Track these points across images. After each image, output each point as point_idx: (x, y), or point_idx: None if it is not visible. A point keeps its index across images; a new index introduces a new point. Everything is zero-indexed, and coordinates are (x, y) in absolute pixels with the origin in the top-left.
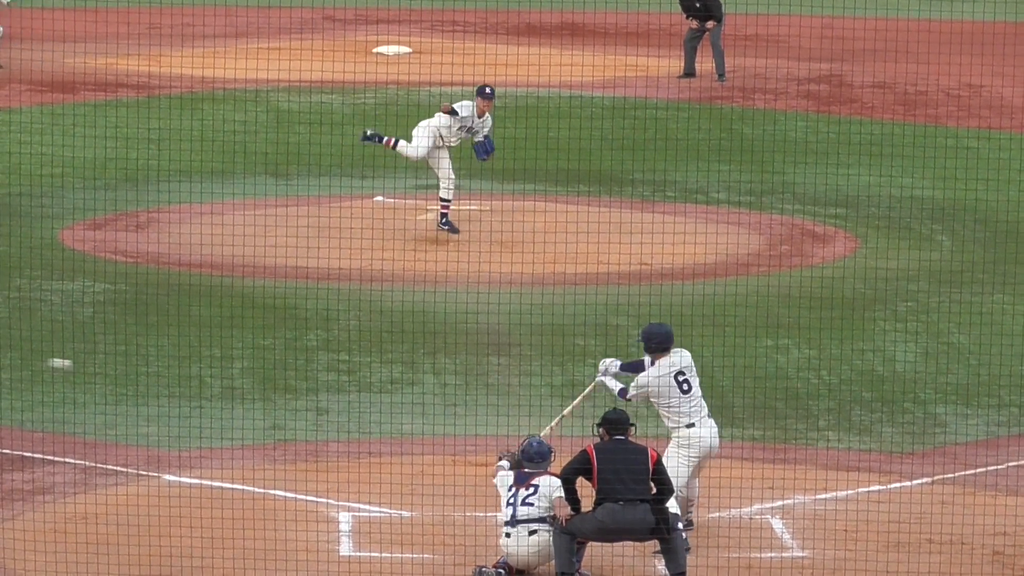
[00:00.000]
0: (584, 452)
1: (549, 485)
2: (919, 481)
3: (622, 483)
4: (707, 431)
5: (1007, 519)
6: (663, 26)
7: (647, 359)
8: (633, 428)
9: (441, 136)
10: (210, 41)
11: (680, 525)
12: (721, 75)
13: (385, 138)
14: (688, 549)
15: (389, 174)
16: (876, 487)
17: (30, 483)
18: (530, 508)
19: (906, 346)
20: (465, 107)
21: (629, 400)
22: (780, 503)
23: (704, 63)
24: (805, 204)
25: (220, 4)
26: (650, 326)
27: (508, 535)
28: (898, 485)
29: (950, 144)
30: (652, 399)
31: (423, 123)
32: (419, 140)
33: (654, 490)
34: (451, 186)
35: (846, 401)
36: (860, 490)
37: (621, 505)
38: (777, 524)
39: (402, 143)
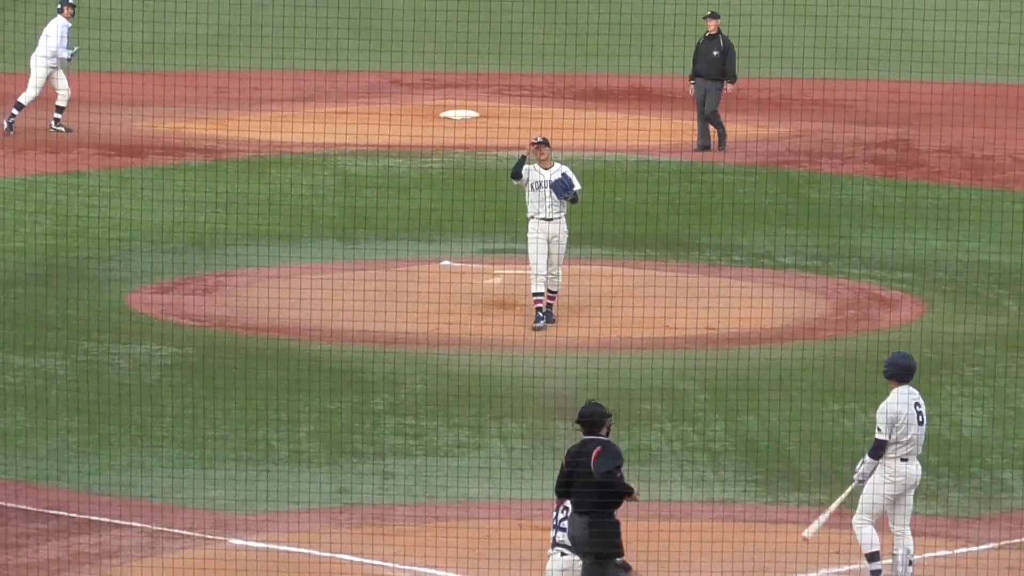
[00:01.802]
0: (563, 461)
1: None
2: (986, 546)
3: (577, 490)
4: (915, 468)
5: None
6: (730, 91)
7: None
8: (609, 420)
9: (538, 216)
10: (277, 105)
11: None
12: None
13: None
14: None
15: (456, 238)
16: (943, 552)
17: (97, 547)
18: (564, 534)
19: (973, 411)
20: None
21: (884, 441)
22: (846, 568)
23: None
24: (872, 268)
25: (287, 68)
26: (895, 354)
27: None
28: (964, 550)
29: (1017, 209)
30: (894, 426)
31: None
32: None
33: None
34: (535, 271)
35: None
36: (927, 555)
37: (577, 515)
38: None
39: None
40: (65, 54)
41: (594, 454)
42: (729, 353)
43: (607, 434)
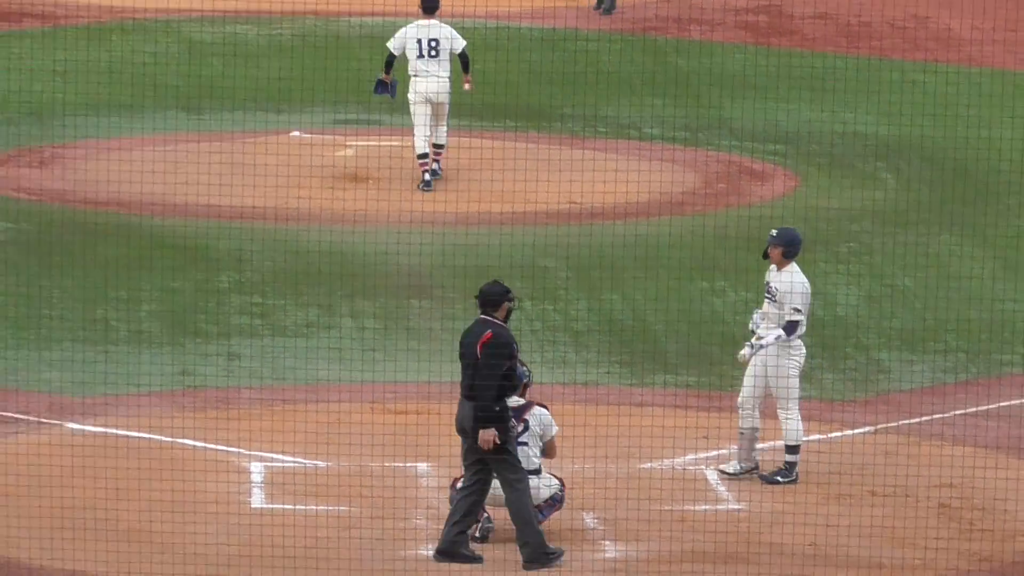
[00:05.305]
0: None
1: (540, 423)
2: (861, 430)
3: (463, 372)
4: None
5: (953, 470)
6: None
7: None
8: (511, 304)
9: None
10: None
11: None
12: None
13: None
14: None
15: (307, 108)
16: (816, 436)
17: None
18: (525, 448)
19: (848, 289)
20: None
21: (800, 322)
22: (715, 453)
23: None
24: (743, 140)
25: None
26: (788, 230)
27: None
28: (839, 434)
29: (895, 78)
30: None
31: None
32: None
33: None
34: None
35: None
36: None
37: (461, 399)
38: (712, 475)
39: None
40: None
41: (482, 339)
42: (593, 228)
43: (506, 318)
